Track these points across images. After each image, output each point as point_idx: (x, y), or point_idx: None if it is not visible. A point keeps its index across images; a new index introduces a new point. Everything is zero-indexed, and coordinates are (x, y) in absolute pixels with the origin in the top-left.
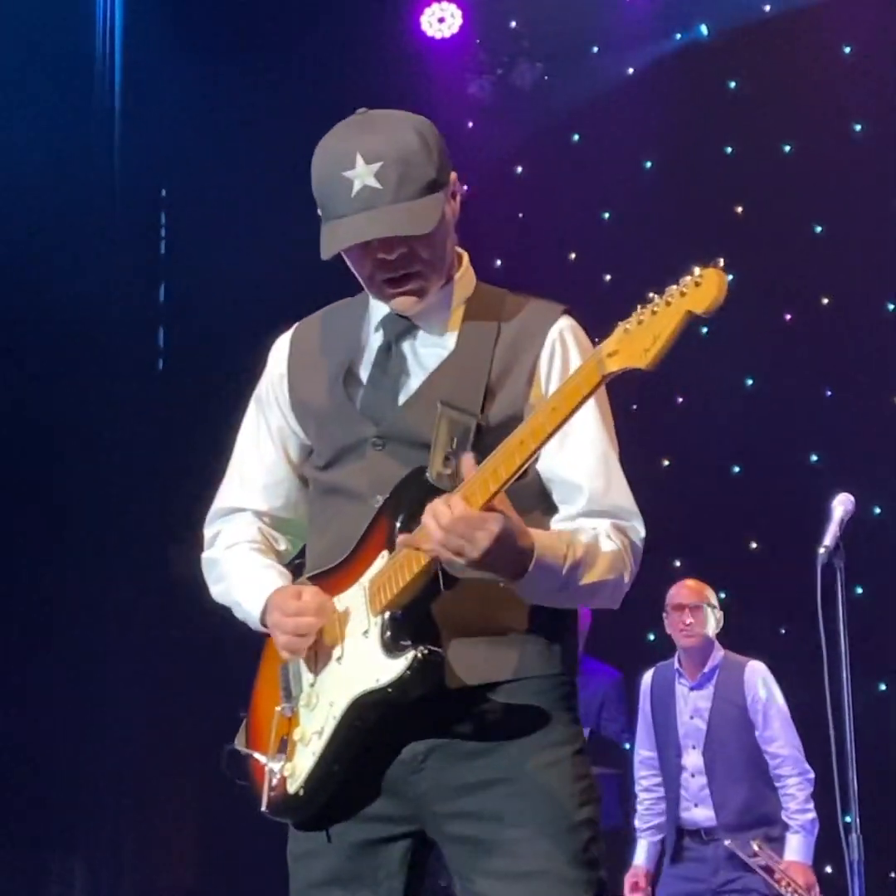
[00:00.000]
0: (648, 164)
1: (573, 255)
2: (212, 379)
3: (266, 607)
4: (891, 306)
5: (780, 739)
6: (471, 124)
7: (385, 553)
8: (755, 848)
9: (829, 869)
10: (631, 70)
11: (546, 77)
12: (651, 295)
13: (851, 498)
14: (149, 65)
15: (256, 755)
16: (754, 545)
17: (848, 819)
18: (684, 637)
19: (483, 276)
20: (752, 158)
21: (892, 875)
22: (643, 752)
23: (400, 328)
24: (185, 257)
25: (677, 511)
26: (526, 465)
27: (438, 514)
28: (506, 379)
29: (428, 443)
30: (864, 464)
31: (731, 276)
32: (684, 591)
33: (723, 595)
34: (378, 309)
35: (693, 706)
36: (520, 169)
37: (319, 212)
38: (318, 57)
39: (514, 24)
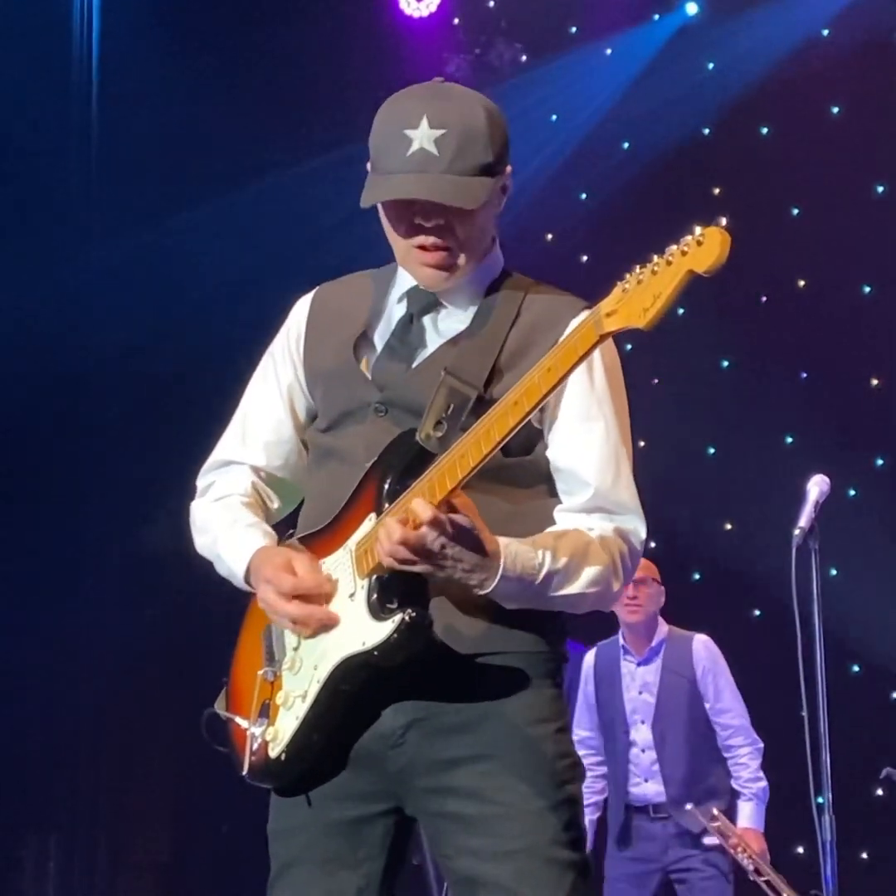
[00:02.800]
0: (626, 145)
1: (550, 236)
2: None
3: (249, 568)
4: (866, 289)
5: (731, 710)
6: None
7: (372, 516)
8: (715, 812)
9: (801, 849)
10: (609, 50)
11: (524, 57)
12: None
13: (826, 479)
14: (126, 44)
15: (238, 719)
16: (729, 526)
17: (821, 800)
18: (629, 613)
19: None
20: (729, 140)
21: (864, 856)
22: (580, 732)
23: (424, 302)
24: (166, 234)
25: (652, 492)
26: (519, 427)
27: (390, 531)
28: (517, 360)
29: None
30: (839, 445)
31: None
32: None
33: (697, 576)
34: (404, 280)
35: (641, 681)
36: None
37: (368, 165)
38: (296, 35)
39: (492, 3)
